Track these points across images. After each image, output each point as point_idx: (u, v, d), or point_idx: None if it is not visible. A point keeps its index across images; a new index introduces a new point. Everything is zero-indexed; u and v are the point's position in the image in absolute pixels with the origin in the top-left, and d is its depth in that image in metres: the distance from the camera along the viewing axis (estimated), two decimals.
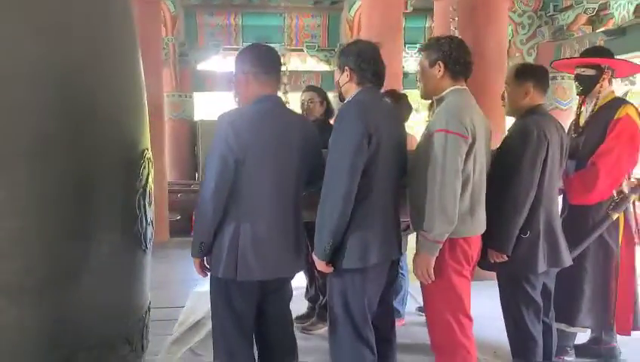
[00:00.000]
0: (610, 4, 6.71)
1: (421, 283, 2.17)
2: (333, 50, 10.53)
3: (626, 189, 2.66)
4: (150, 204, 2.26)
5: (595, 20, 7.42)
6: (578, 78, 2.75)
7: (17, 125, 1.65)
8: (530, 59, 7.88)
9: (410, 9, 7.38)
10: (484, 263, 2.34)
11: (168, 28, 9.66)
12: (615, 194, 2.67)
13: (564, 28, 7.54)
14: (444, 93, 2.14)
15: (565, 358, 2.82)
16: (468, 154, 2.02)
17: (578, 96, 2.82)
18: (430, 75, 2.16)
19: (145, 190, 2.17)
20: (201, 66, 10.73)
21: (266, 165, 1.98)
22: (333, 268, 2.01)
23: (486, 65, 4.27)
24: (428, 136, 2.07)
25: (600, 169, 2.54)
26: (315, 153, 2.12)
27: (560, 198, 2.64)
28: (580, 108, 2.80)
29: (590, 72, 2.71)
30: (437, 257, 2.05)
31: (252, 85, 2.06)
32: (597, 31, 7.14)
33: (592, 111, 2.72)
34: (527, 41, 7.93)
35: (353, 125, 1.96)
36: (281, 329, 2.20)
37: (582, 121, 2.78)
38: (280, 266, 2.03)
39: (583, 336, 3.02)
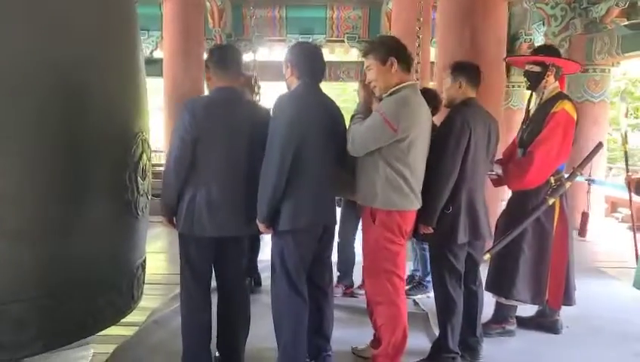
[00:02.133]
0: None
1: (363, 248, 2.56)
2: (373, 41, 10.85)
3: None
4: (144, 178, 2.77)
5: (630, 13, 7.31)
6: (526, 74, 3.02)
7: (23, 107, 2.16)
8: (562, 52, 7.86)
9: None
10: (417, 235, 2.69)
11: (215, 20, 10.29)
12: (552, 181, 2.93)
13: (597, 20, 7.48)
14: (399, 86, 2.43)
15: (507, 326, 3.13)
16: (404, 140, 2.36)
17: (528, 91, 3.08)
18: (383, 72, 2.44)
19: (137, 166, 2.68)
20: (247, 57, 11.30)
21: (218, 143, 2.42)
22: (272, 231, 2.44)
23: (485, 60, 4.48)
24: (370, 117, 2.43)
25: (535, 157, 2.81)
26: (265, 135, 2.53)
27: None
28: (529, 101, 3.06)
29: (537, 68, 2.96)
30: (374, 227, 2.44)
31: (212, 78, 2.51)
32: (626, 23, 7.06)
33: (538, 104, 2.98)
34: (559, 33, 7.89)
35: (287, 114, 2.37)
36: (236, 279, 2.65)
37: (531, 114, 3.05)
38: (230, 226, 2.47)
39: (530, 310, 3.30)
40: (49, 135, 2.23)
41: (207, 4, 9.54)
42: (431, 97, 2.99)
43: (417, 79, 4.71)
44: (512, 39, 10.08)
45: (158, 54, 10.50)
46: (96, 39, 2.46)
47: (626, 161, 3.27)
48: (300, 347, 2.48)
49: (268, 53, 11.80)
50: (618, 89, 13.65)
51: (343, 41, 11.22)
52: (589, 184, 3.09)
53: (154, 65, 9.07)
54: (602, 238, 6.27)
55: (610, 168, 11.66)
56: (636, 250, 3.06)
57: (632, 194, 2.98)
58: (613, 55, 7.17)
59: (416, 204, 2.48)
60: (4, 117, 2.12)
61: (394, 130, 2.33)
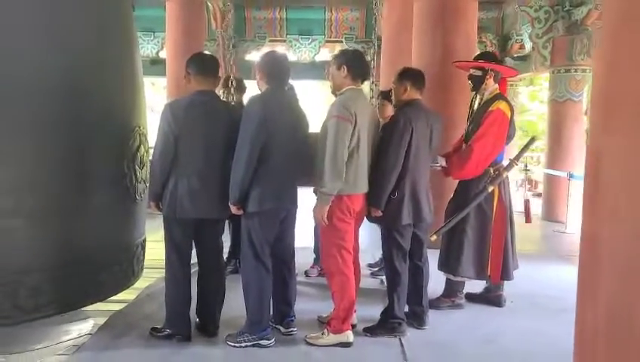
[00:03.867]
0: None
1: (320, 227, 2.99)
2: (370, 41, 11.21)
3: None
4: (142, 167, 3.24)
5: None
6: (470, 77, 3.43)
7: (35, 107, 2.62)
8: (545, 53, 8.21)
9: None
10: (370, 217, 3.12)
11: (218, 21, 10.73)
12: (492, 171, 3.34)
13: (578, 23, 7.82)
14: (344, 89, 2.93)
15: (455, 301, 3.56)
16: (352, 134, 2.80)
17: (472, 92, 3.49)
18: (337, 75, 2.95)
19: (135, 156, 3.14)
20: (249, 56, 11.75)
21: (197, 139, 2.86)
22: (243, 211, 2.88)
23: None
24: (326, 121, 2.87)
25: (473, 150, 3.23)
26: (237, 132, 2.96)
27: None
28: (473, 101, 3.47)
29: (478, 72, 3.38)
30: (329, 208, 2.87)
31: (192, 82, 2.96)
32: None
33: (479, 104, 3.40)
34: (543, 35, 8.24)
35: (256, 113, 2.81)
36: (214, 256, 3.11)
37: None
38: (207, 209, 2.92)
39: (479, 287, 3.72)
40: (57, 130, 2.70)
41: (210, 5, 9.95)
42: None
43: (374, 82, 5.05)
44: (505, 39, 10.44)
45: (163, 54, 10.96)
46: (99, 47, 2.93)
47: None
48: (264, 311, 2.93)
49: None
50: None
51: (341, 42, 11.60)
52: (526, 174, 3.48)
53: (160, 66, 9.52)
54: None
55: None
56: None
57: None
58: (592, 56, 7.50)
59: (362, 188, 2.91)
60: (20, 116, 2.60)
61: (349, 120, 2.77)
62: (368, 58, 11.19)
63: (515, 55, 10.26)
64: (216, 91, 3.21)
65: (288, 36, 11.50)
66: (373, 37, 5.68)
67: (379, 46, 6.24)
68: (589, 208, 1.61)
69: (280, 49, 12.13)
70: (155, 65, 10.61)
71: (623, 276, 1.46)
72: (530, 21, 8.22)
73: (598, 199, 1.56)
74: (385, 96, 4.08)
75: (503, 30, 10.58)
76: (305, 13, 11.40)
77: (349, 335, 2.92)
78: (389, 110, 3.94)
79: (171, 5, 8.12)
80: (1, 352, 3.01)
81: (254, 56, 11.96)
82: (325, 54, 11.95)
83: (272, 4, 11.21)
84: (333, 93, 3.05)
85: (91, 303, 3.17)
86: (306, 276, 4.24)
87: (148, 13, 9.48)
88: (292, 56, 11.57)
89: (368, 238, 4.12)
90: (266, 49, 12.07)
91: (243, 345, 2.87)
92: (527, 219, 3.61)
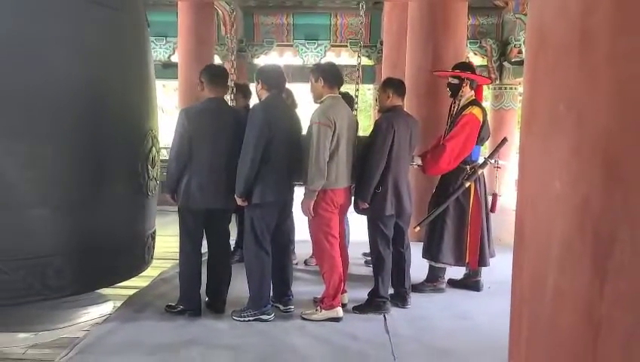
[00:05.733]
0: None
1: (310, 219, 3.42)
2: (375, 46, 11.64)
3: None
4: (153, 166, 3.69)
5: None
6: (448, 85, 3.84)
7: (63, 114, 3.07)
8: None
9: None
10: (357, 210, 3.55)
11: (227, 27, 11.20)
12: (468, 169, 3.76)
13: None
14: (323, 98, 3.36)
15: (437, 285, 3.97)
16: (333, 136, 3.23)
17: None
18: (316, 87, 3.37)
19: (148, 156, 3.59)
20: (257, 61, 12.21)
21: (207, 140, 3.30)
22: (247, 203, 3.32)
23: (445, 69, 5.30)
24: (310, 126, 3.30)
25: (446, 149, 3.65)
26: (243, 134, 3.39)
27: None
28: (451, 107, 3.89)
29: (455, 81, 3.79)
30: (315, 201, 3.30)
31: (205, 90, 3.41)
32: None
33: (457, 109, 3.81)
34: None
35: (259, 117, 3.24)
36: (222, 242, 3.56)
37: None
38: (215, 200, 3.36)
39: (460, 274, 4.13)
40: (80, 134, 3.14)
41: (219, 12, 10.42)
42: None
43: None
44: (504, 44, 10.80)
45: (175, 58, 11.44)
46: (117, 59, 3.38)
47: None
48: (265, 290, 3.36)
49: (277, 57, 12.66)
50: None
51: (346, 46, 12.03)
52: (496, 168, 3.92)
53: (172, 69, 9.97)
54: None
55: None
56: None
57: None
58: None
59: (343, 183, 3.34)
60: (51, 123, 3.04)
61: (330, 126, 3.19)
62: (372, 62, 11.69)
63: (514, 60, 10.59)
64: (225, 97, 3.65)
65: (295, 41, 11.91)
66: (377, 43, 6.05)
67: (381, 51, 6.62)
68: (518, 195, 2.03)
69: (287, 53, 12.62)
70: (167, 68, 11.07)
71: (540, 252, 1.87)
72: (524, 28, 8.60)
73: (523, 188, 1.97)
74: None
75: (502, 35, 10.93)
76: (311, 19, 11.82)
77: (338, 311, 3.35)
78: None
79: (183, 12, 8.48)
80: (31, 330, 3.46)
81: (262, 60, 12.45)
82: (331, 58, 12.38)
83: (279, 10, 11.67)
84: (315, 101, 3.43)
85: (107, 285, 3.62)
86: (306, 265, 4.66)
87: (161, 18, 9.90)
88: (298, 60, 12.04)
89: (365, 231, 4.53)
90: (274, 53, 12.57)
91: (247, 319, 3.31)
92: (493, 209, 3.98)
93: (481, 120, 3.69)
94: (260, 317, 3.32)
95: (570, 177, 1.73)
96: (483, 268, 3.97)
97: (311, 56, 11.89)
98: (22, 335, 3.33)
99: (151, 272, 4.09)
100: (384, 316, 3.44)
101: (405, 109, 4.15)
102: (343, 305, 3.46)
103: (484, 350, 2.89)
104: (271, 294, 3.47)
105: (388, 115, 3.47)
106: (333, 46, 12.03)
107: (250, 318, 3.31)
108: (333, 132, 3.22)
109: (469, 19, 10.79)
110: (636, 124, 1.60)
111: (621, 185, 1.64)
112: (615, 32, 1.59)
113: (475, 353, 2.89)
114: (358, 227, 3.89)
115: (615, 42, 1.60)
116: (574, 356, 1.74)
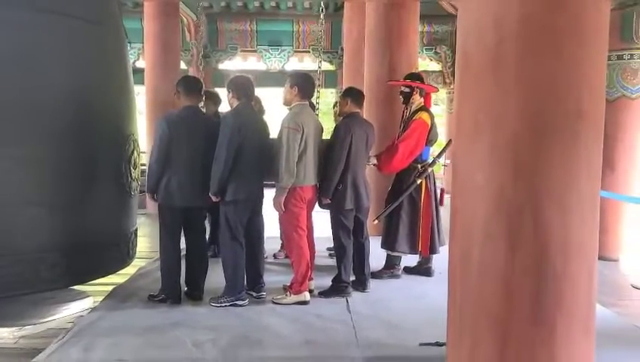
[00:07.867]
0: None
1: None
2: (336, 52, 12.11)
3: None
4: (135, 167, 4.01)
5: None
6: (401, 93, 4.31)
7: (52, 121, 3.37)
8: None
9: None
10: (321, 204, 3.96)
11: (192, 33, 11.47)
12: (419, 167, 4.23)
13: None
14: (293, 105, 3.77)
15: (394, 272, 4.42)
16: (301, 139, 3.64)
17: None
18: (290, 92, 3.78)
19: (130, 159, 3.91)
20: (222, 66, 12.50)
21: (185, 144, 3.65)
22: (221, 200, 3.68)
23: (398, 77, 5.71)
24: (280, 130, 3.70)
25: (398, 149, 4.10)
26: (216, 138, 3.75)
27: None
28: (404, 112, 4.36)
29: (407, 89, 4.26)
30: (285, 197, 3.69)
31: (181, 99, 3.76)
32: None
33: (408, 114, 4.28)
34: None
35: (230, 124, 3.61)
36: (198, 236, 3.91)
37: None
38: (192, 199, 3.71)
39: (414, 262, 4.60)
40: (70, 139, 3.45)
41: (184, 19, 10.66)
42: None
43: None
44: None
45: (140, 64, 11.61)
46: (101, 71, 3.70)
47: None
48: (239, 278, 3.74)
49: (239, 62, 12.98)
50: None
51: (308, 52, 12.45)
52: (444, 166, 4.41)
53: (137, 75, 10.10)
54: None
55: None
56: None
57: None
58: None
59: (310, 181, 3.75)
60: (42, 129, 3.35)
61: (298, 130, 3.61)
62: (334, 67, 12.11)
63: None
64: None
65: (259, 47, 12.26)
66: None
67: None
68: (451, 187, 2.48)
69: (251, 59, 12.95)
70: (133, 74, 11.20)
71: (466, 232, 2.32)
72: None
73: (454, 181, 2.42)
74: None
75: (456, 42, 11.52)
76: (274, 25, 12.18)
77: (306, 295, 3.75)
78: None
79: (149, 19, 8.64)
80: (16, 325, 3.71)
81: (227, 65, 12.76)
82: (294, 64, 12.79)
83: (243, 17, 11.99)
84: (284, 105, 3.87)
85: (95, 278, 3.90)
86: (275, 258, 5.04)
87: (126, 25, 10.02)
88: (262, 66, 12.39)
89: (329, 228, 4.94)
90: (238, 59, 12.89)
91: (223, 304, 3.67)
92: (441, 202, 4.45)
93: (430, 124, 4.16)
94: (236, 302, 3.68)
95: (489, 171, 2.22)
96: (434, 255, 4.44)
97: (274, 61, 12.26)
98: (7, 329, 3.55)
99: (128, 270, 4.37)
100: (346, 299, 3.87)
101: (366, 114, 4.60)
102: (310, 291, 3.86)
103: (433, 322, 3.33)
104: (245, 283, 3.85)
105: (346, 121, 3.90)
106: (296, 52, 12.44)
107: (227, 304, 3.67)
108: (302, 135, 3.63)
109: (424, 26, 11.45)
110: (537, 129, 2.10)
111: (526, 176, 2.13)
112: (520, 58, 2.09)
113: (425, 325, 3.32)
114: (322, 224, 4.28)
115: (520, 66, 2.09)
116: (495, 318, 2.20)
